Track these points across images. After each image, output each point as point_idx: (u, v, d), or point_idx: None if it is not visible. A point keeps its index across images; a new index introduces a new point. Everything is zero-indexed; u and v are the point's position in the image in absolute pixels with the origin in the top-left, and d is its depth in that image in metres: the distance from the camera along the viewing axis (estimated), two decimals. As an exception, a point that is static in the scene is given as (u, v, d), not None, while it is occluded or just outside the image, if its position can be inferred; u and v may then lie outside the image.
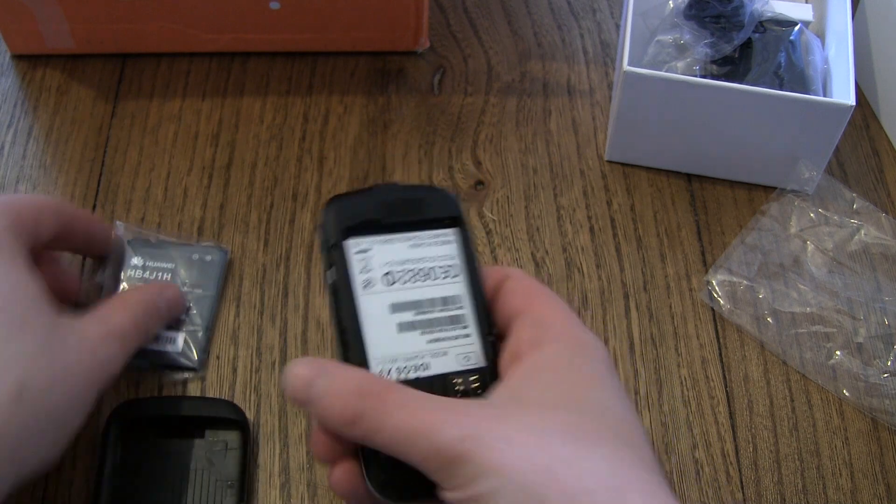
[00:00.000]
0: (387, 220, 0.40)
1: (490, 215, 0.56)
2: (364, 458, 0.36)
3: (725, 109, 0.54)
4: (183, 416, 0.47)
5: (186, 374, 0.49)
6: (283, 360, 0.50)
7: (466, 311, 0.39)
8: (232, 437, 0.47)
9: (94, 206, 0.55)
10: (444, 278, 0.40)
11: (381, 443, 0.34)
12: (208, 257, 0.52)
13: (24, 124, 0.58)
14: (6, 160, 0.57)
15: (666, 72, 0.55)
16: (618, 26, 0.65)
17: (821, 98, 0.54)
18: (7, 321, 0.39)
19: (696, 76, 0.55)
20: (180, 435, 0.46)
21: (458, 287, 0.40)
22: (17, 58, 0.61)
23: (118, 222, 0.53)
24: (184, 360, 0.49)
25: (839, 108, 0.52)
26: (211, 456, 0.46)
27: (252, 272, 0.53)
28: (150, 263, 0.51)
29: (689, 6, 0.57)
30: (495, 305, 0.40)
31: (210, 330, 0.51)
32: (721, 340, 0.52)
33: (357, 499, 0.37)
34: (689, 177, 0.58)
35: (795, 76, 0.55)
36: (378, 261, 0.39)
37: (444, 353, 0.38)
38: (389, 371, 0.37)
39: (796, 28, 0.57)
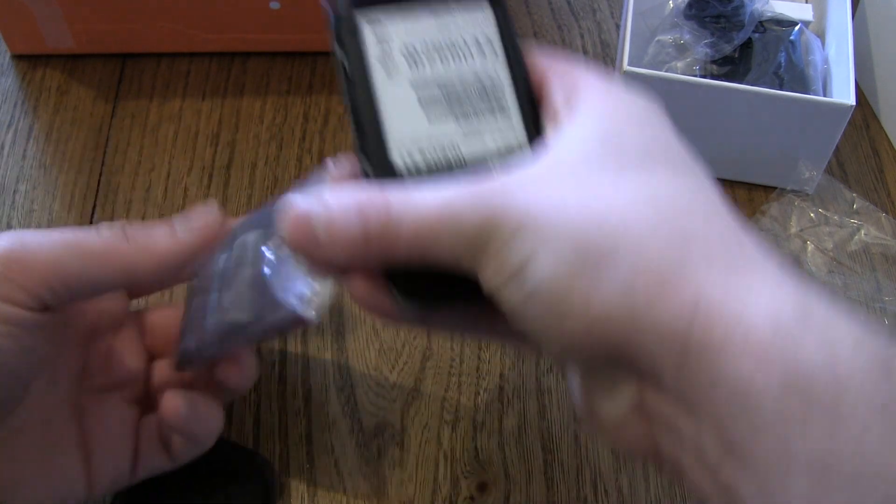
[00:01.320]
0: None
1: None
2: (387, 271, 0.31)
3: (725, 109, 0.54)
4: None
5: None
6: (284, 360, 0.50)
7: (505, 87, 0.34)
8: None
9: (94, 207, 0.55)
10: (477, 55, 0.35)
11: (403, 256, 0.30)
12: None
13: (24, 124, 0.58)
14: (6, 160, 0.57)
15: (666, 72, 0.55)
16: (618, 26, 0.65)
17: (821, 98, 0.54)
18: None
19: (696, 76, 0.55)
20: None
21: (493, 63, 0.35)
22: (17, 58, 0.61)
23: None
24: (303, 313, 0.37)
25: (839, 108, 0.52)
26: None
27: (252, 272, 0.53)
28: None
29: (689, 6, 0.57)
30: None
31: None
32: (721, 340, 0.52)
33: (384, 311, 0.32)
34: (689, 177, 0.58)
35: (795, 76, 0.55)
36: (398, 35, 0.34)
37: (479, 134, 0.34)
38: (413, 155, 0.33)
39: (796, 28, 0.57)
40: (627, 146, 0.30)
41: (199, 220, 0.39)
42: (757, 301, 0.26)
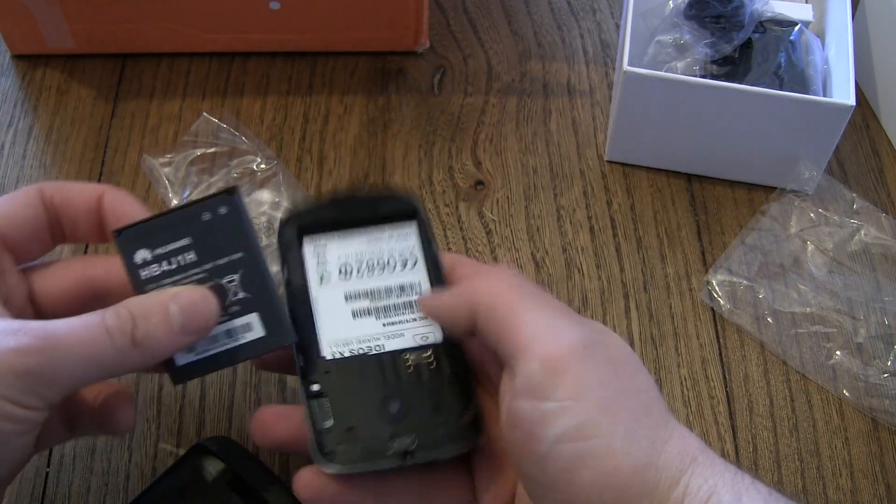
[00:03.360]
0: (342, 219, 0.43)
1: (490, 215, 0.56)
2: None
3: (725, 109, 0.54)
4: None
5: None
6: (283, 360, 0.50)
7: (423, 289, 0.42)
8: None
9: (94, 206, 0.55)
10: (402, 269, 0.42)
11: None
12: (221, 209, 0.39)
13: (24, 124, 0.58)
14: (6, 160, 0.57)
15: (666, 72, 0.55)
16: (618, 26, 0.65)
17: (821, 98, 0.54)
18: None
19: (696, 76, 0.55)
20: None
21: (416, 275, 0.42)
22: (17, 58, 0.61)
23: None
24: (273, 340, 0.39)
25: (839, 108, 0.52)
26: None
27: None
28: (160, 251, 0.38)
29: (689, 6, 0.57)
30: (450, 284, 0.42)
31: (272, 287, 0.39)
32: (721, 340, 0.52)
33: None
34: (689, 177, 0.58)
35: (795, 76, 0.55)
36: (334, 255, 0.42)
37: (401, 335, 0.41)
38: (342, 353, 0.40)
39: (796, 28, 0.57)
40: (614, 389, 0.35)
41: (197, 318, 0.37)
42: None
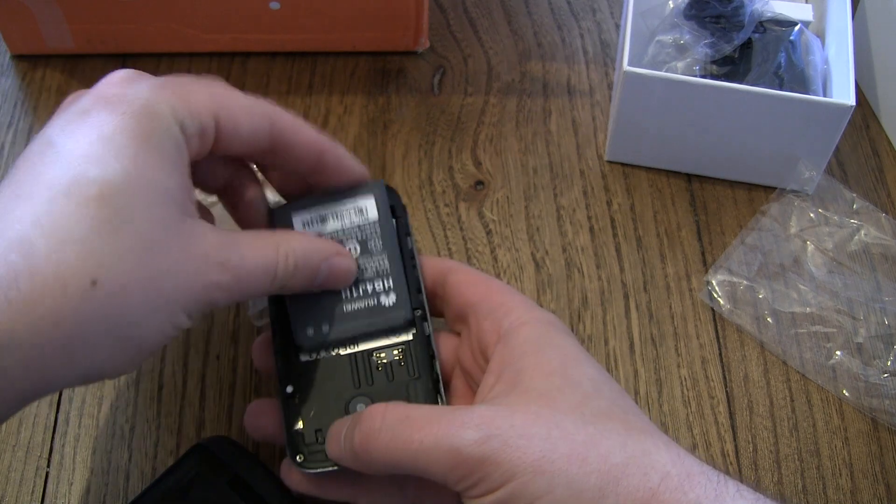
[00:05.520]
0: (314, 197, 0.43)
1: (490, 215, 0.56)
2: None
3: (725, 109, 0.54)
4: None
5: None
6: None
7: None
8: None
9: (94, 206, 0.55)
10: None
11: (393, 466, 0.36)
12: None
13: (24, 124, 0.58)
14: (6, 160, 0.57)
15: (666, 72, 0.55)
16: (618, 26, 0.65)
17: (821, 98, 0.54)
18: (106, 216, 0.33)
19: (696, 76, 0.55)
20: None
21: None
22: (17, 58, 0.61)
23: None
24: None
25: (839, 108, 0.52)
26: None
27: (252, 272, 0.53)
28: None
29: (689, 6, 0.57)
30: (444, 299, 0.42)
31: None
32: (721, 340, 0.52)
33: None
34: (689, 177, 0.58)
35: (795, 76, 0.55)
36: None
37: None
38: (319, 355, 0.41)
39: (796, 28, 0.57)
40: (580, 387, 0.37)
41: (334, 283, 0.42)
42: None
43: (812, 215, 0.56)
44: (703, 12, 0.57)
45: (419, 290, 0.42)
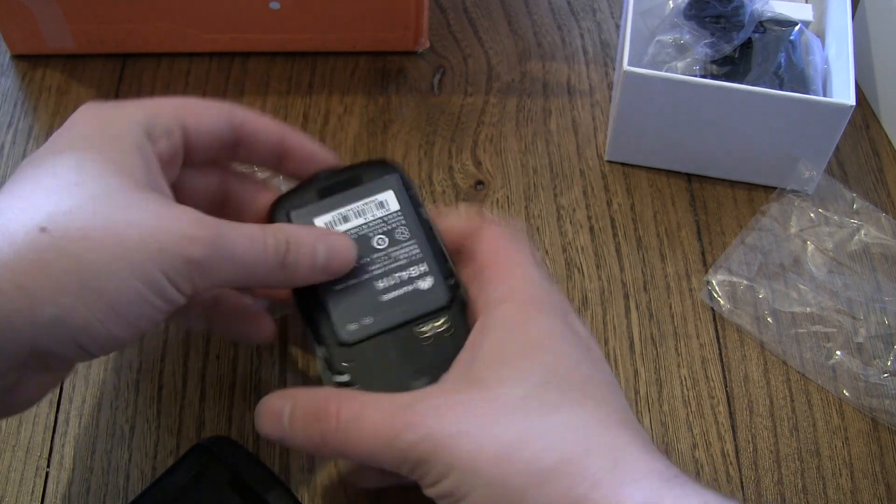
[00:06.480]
0: (326, 194, 0.43)
1: (490, 215, 0.56)
2: None
3: (725, 109, 0.54)
4: None
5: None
6: (284, 355, 0.50)
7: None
8: None
9: (94, 206, 0.55)
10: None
11: (354, 459, 0.37)
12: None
13: (24, 124, 0.58)
14: (6, 160, 0.57)
15: (666, 72, 0.55)
16: (618, 26, 0.65)
17: (821, 98, 0.54)
18: (59, 182, 0.35)
19: (696, 76, 0.55)
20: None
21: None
22: (17, 58, 0.61)
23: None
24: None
25: (839, 108, 0.52)
26: None
27: (252, 272, 0.53)
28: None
29: (689, 6, 0.57)
30: (469, 257, 0.42)
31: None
32: (721, 340, 0.52)
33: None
34: (689, 177, 0.58)
35: (795, 76, 0.55)
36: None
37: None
38: (359, 336, 0.40)
39: (796, 28, 0.57)
40: (540, 372, 0.36)
41: (338, 262, 0.41)
42: None
43: (812, 215, 0.56)
44: (703, 12, 0.57)
45: (446, 260, 0.42)
